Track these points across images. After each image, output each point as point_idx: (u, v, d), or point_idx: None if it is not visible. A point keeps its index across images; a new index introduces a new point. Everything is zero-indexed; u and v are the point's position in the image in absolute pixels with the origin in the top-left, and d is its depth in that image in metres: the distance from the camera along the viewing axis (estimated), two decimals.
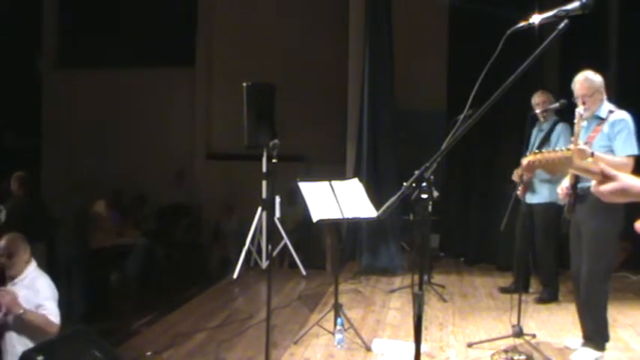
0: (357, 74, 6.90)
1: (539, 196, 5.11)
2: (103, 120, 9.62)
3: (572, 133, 4.79)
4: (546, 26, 1.98)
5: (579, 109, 3.67)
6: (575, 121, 3.65)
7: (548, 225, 5.12)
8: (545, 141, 5.00)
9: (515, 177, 5.15)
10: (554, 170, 1.89)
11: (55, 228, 7.37)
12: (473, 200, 7.16)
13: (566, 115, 4.72)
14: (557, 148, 1.86)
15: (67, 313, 4.90)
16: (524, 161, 1.94)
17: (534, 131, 5.22)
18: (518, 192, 4.87)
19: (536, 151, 1.92)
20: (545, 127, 5.09)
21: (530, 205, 5.13)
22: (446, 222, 7.21)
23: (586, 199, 3.69)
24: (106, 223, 6.62)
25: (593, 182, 1.87)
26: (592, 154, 3.46)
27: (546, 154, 1.85)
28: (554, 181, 4.96)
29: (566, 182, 3.82)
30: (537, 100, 5.06)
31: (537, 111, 4.92)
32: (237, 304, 5.35)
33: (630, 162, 3.57)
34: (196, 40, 9.71)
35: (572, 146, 2.89)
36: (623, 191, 1.77)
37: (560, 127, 4.99)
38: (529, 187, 5.07)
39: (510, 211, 4.98)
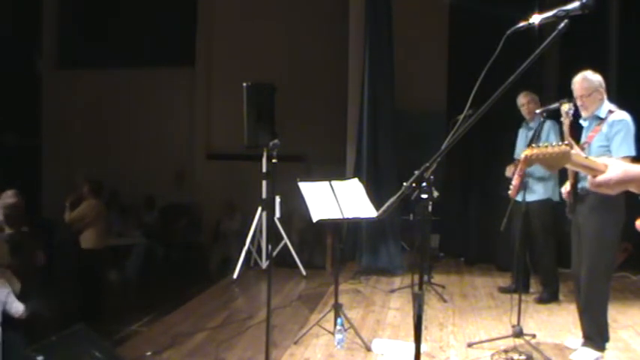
0: (357, 74, 6.91)
1: (535, 194, 5.12)
2: (103, 120, 9.62)
3: (561, 131, 4.83)
4: (546, 26, 1.97)
5: (564, 107, 3.67)
6: (562, 119, 3.65)
7: (546, 223, 5.13)
8: (534, 139, 5.01)
9: (508, 173, 5.18)
10: (551, 165, 1.89)
11: (54, 229, 7.37)
12: (473, 200, 7.17)
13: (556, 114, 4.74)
14: (554, 143, 1.86)
15: (67, 314, 4.92)
16: (522, 155, 1.93)
17: (521, 131, 5.27)
18: (510, 192, 4.87)
19: (534, 145, 1.92)
20: (534, 125, 5.13)
21: (527, 204, 5.14)
22: (446, 222, 7.21)
23: (586, 199, 3.69)
24: (94, 221, 6.50)
25: (589, 178, 1.87)
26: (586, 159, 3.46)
27: (543, 148, 1.85)
28: (547, 179, 4.98)
29: (568, 182, 3.82)
30: (522, 100, 5.16)
31: (533, 112, 4.95)
32: (237, 304, 5.36)
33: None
34: (196, 40, 9.70)
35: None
36: (625, 174, 1.79)
37: (549, 124, 5.00)
38: (524, 186, 5.08)
39: (510, 210, 4.98)
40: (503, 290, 5.61)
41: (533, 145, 1.88)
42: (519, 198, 5.04)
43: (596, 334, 3.78)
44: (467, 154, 7.01)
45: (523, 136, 5.25)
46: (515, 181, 5.01)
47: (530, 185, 5.12)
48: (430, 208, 2.60)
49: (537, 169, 4.85)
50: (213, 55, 9.67)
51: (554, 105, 4.74)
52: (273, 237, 6.18)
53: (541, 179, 5.06)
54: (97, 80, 9.63)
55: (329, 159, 7.82)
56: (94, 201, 6.40)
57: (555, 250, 5.20)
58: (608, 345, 3.81)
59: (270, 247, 4.68)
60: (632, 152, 3.59)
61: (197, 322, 4.75)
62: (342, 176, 5.19)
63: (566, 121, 3.61)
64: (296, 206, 5.56)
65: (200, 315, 4.95)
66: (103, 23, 9.59)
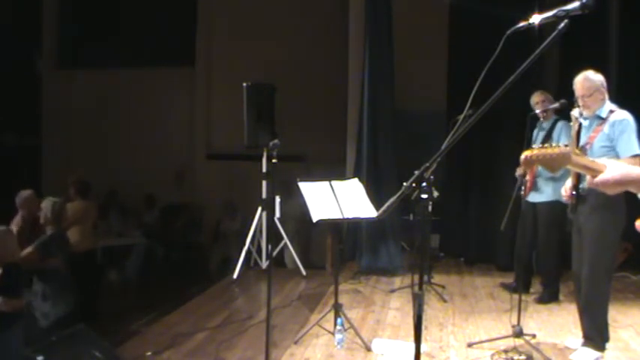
0: (357, 74, 6.90)
1: (544, 195, 5.11)
2: (103, 120, 9.63)
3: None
4: (546, 26, 1.97)
5: (574, 112, 3.67)
6: (571, 123, 3.65)
7: (552, 224, 5.10)
8: (546, 139, 5.01)
9: (519, 172, 5.15)
10: (552, 166, 1.89)
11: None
12: (473, 200, 7.16)
13: (565, 114, 4.74)
14: (554, 144, 1.86)
15: (66, 313, 4.91)
16: (521, 156, 1.94)
17: (535, 131, 5.24)
18: (522, 192, 4.85)
19: (534, 146, 1.92)
20: (546, 125, 5.13)
21: (534, 205, 5.14)
22: (446, 222, 7.20)
23: (587, 199, 3.69)
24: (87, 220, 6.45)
25: (588, 177, 1.87)
26: (589, 161, 3.46)
27: (543, 149, 1.85)
28: (558, 180, 4.96)
29: (569, 182, 3.82)
30: (536, 99, 5.12)
31: (537, 111, 4.95)
32: (237, 304, 5.36)
33: (636, 162, 3.55)
34: (196, 40, 9.71)
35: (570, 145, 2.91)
36: (624, 176, 1.79)
37: (561, 125, 5.02)
38: (533, 186, 5.08)
39: (510, 210, 4.98)
40: (504, 285, 5.61)
41: (535, 145, 1.88)
42: (528, 198, 5.06)
43: (596, 334, 3.77)
44: (467, 154, 7.00)
45: (539, 136, 5.19)
46: (528, 182, 5.01)
47: (540, 186, 5.12)
48: (430, 208, 2.60)
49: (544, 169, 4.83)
50: (213, 55, 9.67)
51: (554, 105, 4.77)
52: (273, 237, 6.18)
53: (551, 180, 5.00)
54: (97, 80, 9.64)
55: (329, 159, 7.82)
56: (81, 202, 6.31)
57: (557, 251, 5.18)
58: (608, 345, 3.81)
59: (270, 247, 4.68)
60: (639, 150, 3.59)
61: (197, 322, 4.75)
62: (342, 176, 5.19)
63: (575, 126, 3.61)
64: (296, 206, 5.57)
65: (200, 315, 4.95)
66: (103, 23, 9.60)
